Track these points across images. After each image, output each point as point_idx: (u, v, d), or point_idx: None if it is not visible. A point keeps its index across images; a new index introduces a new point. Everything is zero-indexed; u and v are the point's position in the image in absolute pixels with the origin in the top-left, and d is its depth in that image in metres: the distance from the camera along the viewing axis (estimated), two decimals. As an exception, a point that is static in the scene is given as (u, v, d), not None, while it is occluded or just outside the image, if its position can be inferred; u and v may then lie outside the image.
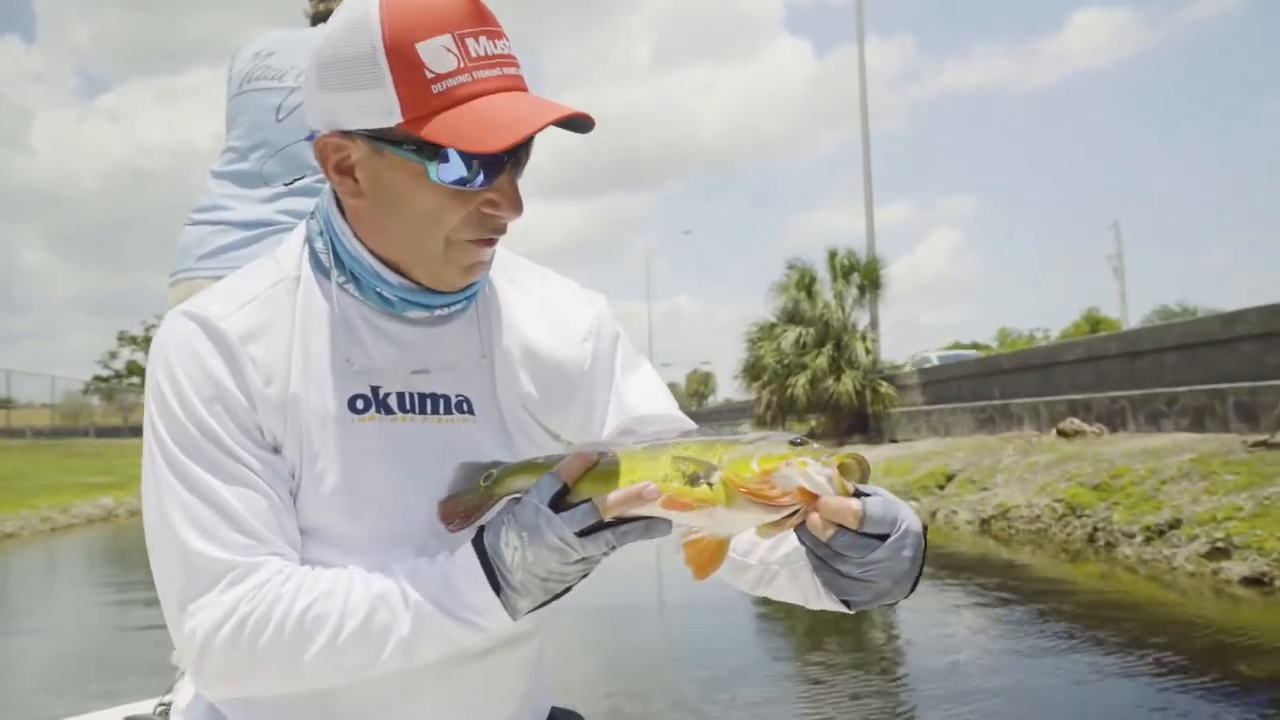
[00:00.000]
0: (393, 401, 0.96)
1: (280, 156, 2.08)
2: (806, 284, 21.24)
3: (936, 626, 5.99)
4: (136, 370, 44.33)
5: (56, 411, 35.25)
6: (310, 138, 0.93)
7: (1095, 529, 8.33)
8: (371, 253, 0.95)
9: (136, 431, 1.07)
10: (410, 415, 0.96)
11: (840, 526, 0.80)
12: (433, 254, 0.93)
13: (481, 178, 0.89)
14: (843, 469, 0.80)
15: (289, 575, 0.88)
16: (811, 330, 20.71)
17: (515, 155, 0.91)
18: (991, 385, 16.37)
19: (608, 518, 0.82)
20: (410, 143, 0.87)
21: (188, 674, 0.93)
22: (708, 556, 0.82)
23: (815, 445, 0.81)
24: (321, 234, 0.98)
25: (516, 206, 0.92)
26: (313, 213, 1.01)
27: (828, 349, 20.29)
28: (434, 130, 0.85)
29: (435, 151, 0.87)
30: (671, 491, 0.80)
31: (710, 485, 0.80)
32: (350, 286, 0.97)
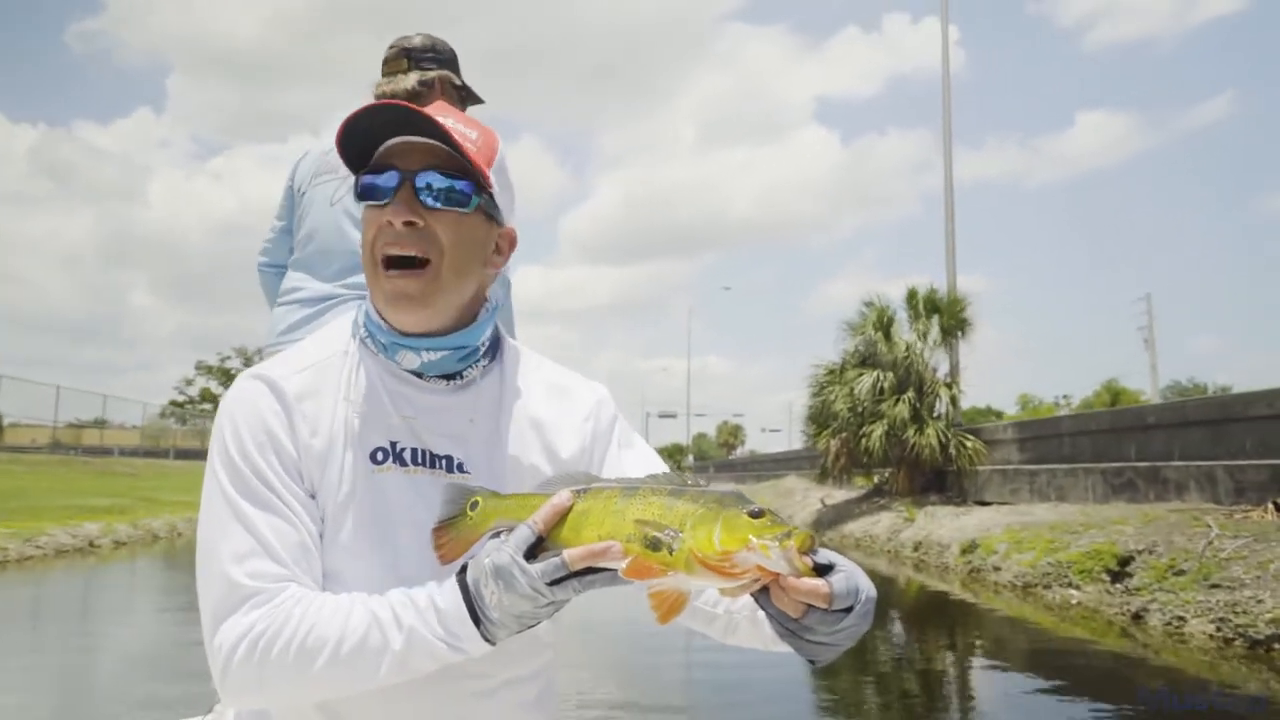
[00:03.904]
0: (407, 455, 1.16)
1: (332, 237, 2.45)
2: (885, 324, 19.21)
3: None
4: (209, 397, 49.07)
5: (141, 433, 38.56)
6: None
7: None
8: (377, 310, 1.19)
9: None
10: (420, 468, 1.15)
11: (810, 606, 0.91)
12: (370, 279, 1.16)
13: (375, 192, 1.13)
14: (798, 544, 0.88)
15: (300, 599, 1.04)
16: (890, 375, 18.64)
17: (413, 176, 1.13)
18: (1124, 443, 13.96)
19: (574, 569, 0.95)
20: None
21: (215, 684, 1.05)
22: (670, 604, 0.93)
23: (772, 516, 0.90)
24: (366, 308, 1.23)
25: (400, 211, 1.12)
26: None
27: (908, 396, 18.20)
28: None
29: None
30: (635, 554, 0.92)
31: (671, 551, 0.90)
32: (369, 341, 1.20)
